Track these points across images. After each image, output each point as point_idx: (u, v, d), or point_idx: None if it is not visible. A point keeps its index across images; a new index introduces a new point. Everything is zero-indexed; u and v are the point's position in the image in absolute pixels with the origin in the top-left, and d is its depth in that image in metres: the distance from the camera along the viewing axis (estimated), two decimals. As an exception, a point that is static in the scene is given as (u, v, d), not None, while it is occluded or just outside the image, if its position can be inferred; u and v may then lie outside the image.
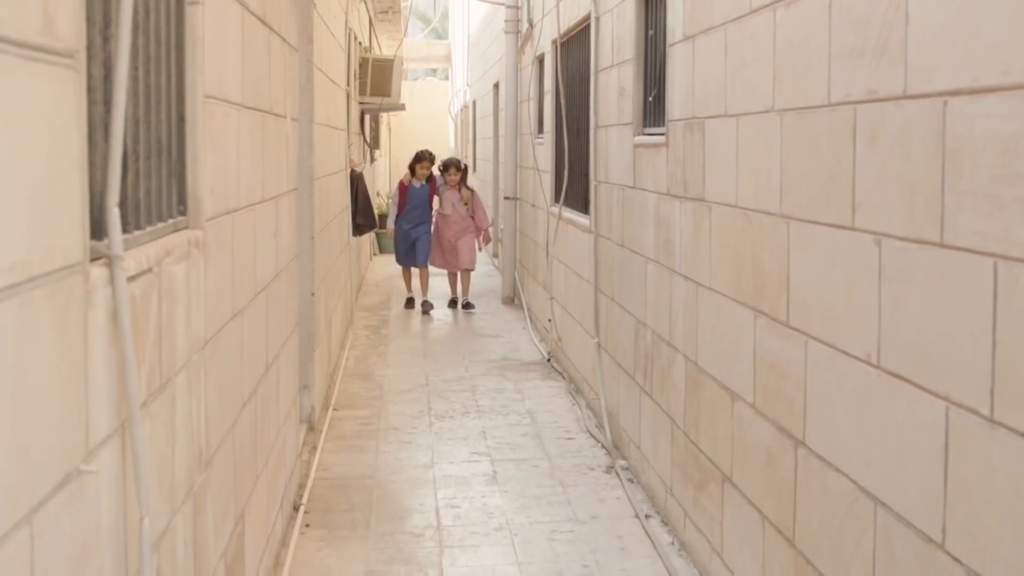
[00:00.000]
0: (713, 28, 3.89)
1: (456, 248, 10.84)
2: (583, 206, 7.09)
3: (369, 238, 13.76)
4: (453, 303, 11.07)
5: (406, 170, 11.19)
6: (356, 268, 11.04)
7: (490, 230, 11.41)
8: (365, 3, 12.24)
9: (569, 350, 7.54)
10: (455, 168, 10.94)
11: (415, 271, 11.26)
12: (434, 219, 11.04)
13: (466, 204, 10.88)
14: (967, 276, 2.13)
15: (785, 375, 3.17)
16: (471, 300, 11.01)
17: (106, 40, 1.97)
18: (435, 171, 11.15)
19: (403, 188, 11.02)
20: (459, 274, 11.01)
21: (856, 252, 2.65)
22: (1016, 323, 1.97)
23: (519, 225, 10.95)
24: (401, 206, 10.98)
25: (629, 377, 5.47)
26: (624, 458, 5.59)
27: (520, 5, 10.34)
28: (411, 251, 10.98)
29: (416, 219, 10.93)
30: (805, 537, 3.02)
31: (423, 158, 10.92)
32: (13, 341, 1.42)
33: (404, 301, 11.10)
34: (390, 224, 11.17)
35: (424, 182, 10.91)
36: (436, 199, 11.16)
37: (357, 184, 9.59)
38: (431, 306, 10.86)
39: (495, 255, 14.08)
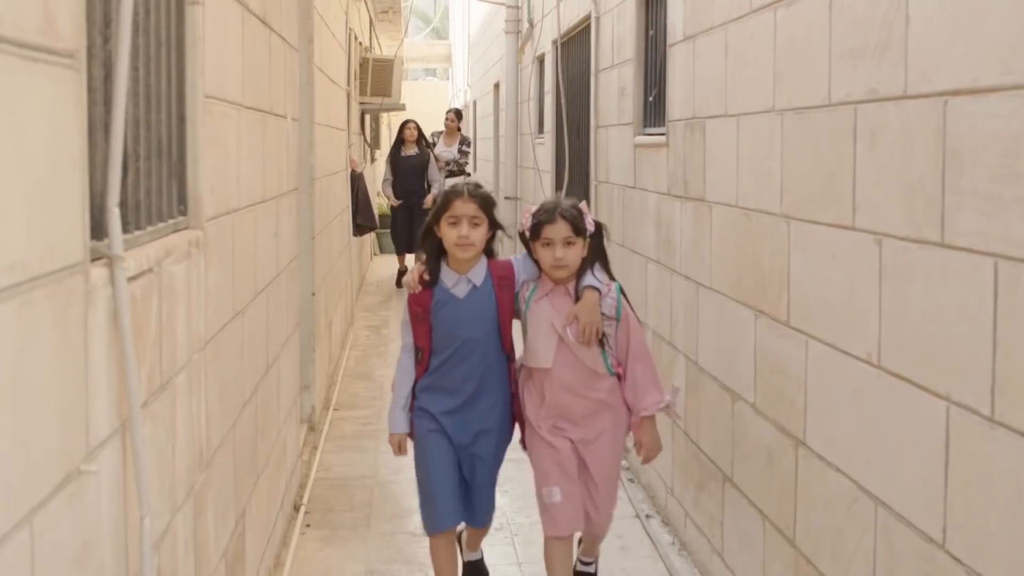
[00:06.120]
0: (714, 28, 3.89)
1: (588, 471, 3.55)
2: (583, 206, 7.08)
3: (369, 238, 13.74)
4: None
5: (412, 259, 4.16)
6: (356, 268, 11.02)
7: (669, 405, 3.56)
8: (365, 3, 12.24)
9: (569, 350, 7.53)
10: (567, 225, 3.40)
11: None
12: (520, 384, 3.63)
13: (600, 339, 3.45)
14: (968, 276, 2.13)
15: (785, 375, 3.17)
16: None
17: (106, 40, 1.97)
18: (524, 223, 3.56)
19: (417, 305, 3.51)
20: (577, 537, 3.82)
21: (857, 252, 2.65)
22: (1016, 323, 1.96)
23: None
24: (424, 359, 3.54)
25: (629, 377, 5.47)
26: (624, 458, 5.59)
27: (520, 5, 10.34)
28: (459, 483, 3.59)
29: (463, 387, 3.54)
30: (806, 537, 3.02)
31: (451, 201, 3.44)
32: (13, 341, 1.42)
33: None
34: (399, 412, 3.59)
35: (483, 278, 3.51)
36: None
37: (357, 184, 9.60)
38: None
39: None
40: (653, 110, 5.11)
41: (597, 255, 3.52)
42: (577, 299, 3.43)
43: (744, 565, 3.60)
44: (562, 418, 3.52)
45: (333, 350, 7.51)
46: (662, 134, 4.75)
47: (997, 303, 2.03)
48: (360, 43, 11.35)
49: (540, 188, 8.97)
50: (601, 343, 3.44)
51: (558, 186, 8.04)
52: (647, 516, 4.77)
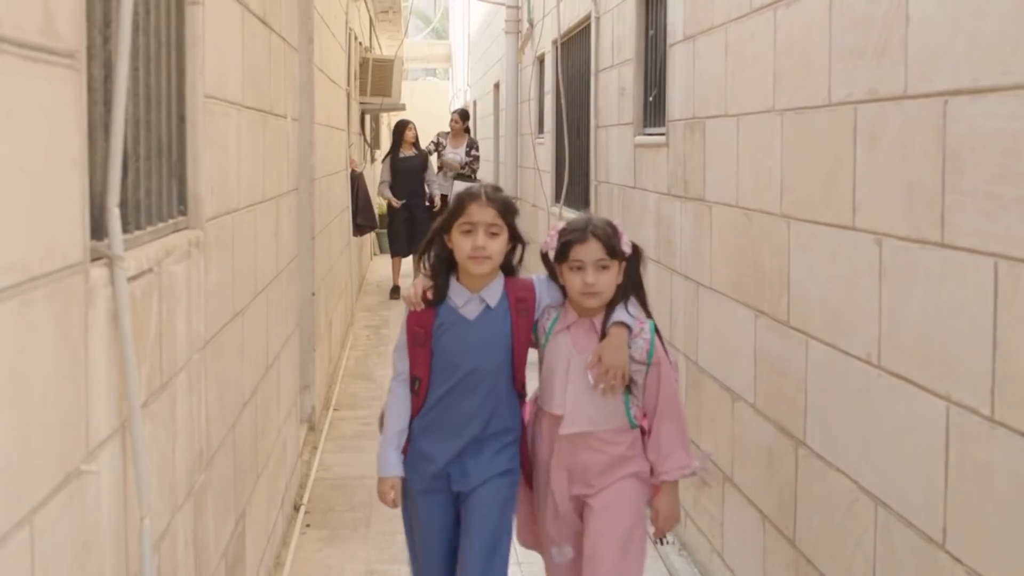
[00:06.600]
0: (714, 28, 3.89)
1: (597, 527, 2.93)
2: (583, 206, 7.09)
3: (369, 238, 13.73)
4: None
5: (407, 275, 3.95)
6: (356, 268, 11.02)
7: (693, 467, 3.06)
8: (365, 3, 12.24)
9: (569, 350, 7.53)
10: (601, 245, 2.87)
11: None
12: (530, 432, 3.06)
13: (626, 387, 2.90)
14: (968, 276, 2.13)
15: (786, 375, 3.17)
16: None
17: (106, 40, 1.97)
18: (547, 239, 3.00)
19: (418, 326, 2.94)
20: None
21: (857, 252, 2.65)
22: (1016, 323, 1.96)
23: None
24: (422, 391, 3.02)
25: (629, 377, 5.46)
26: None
27: (520, 5, 10.34)
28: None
29: (468, 427, 2.95)
30: (805, 537, 3.02)
31: (465, 205, 2.87)
32: (13, 341, 1.42)
33: None
34: (392, 452, 3.01)
35: (498, 299, 2.93)
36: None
37: (357, 184, 9.61)
38: None
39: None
40: (653, 110, 5.11)
41: (632, 285, 2.95)
42: (603, 336, 2.87)
43: (744, 565, 3.60)
44: (573, 474, 2.95)
45: (333, 350, 7.51)
46: (662, 134, 4.74)
47: (997, 303, 2.03)
48: (360, 43, 11.35)
49: (540, 188, 8.97)
50: (627, 389, 2.89)
51: (558, 186, 8.04)
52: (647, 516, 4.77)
